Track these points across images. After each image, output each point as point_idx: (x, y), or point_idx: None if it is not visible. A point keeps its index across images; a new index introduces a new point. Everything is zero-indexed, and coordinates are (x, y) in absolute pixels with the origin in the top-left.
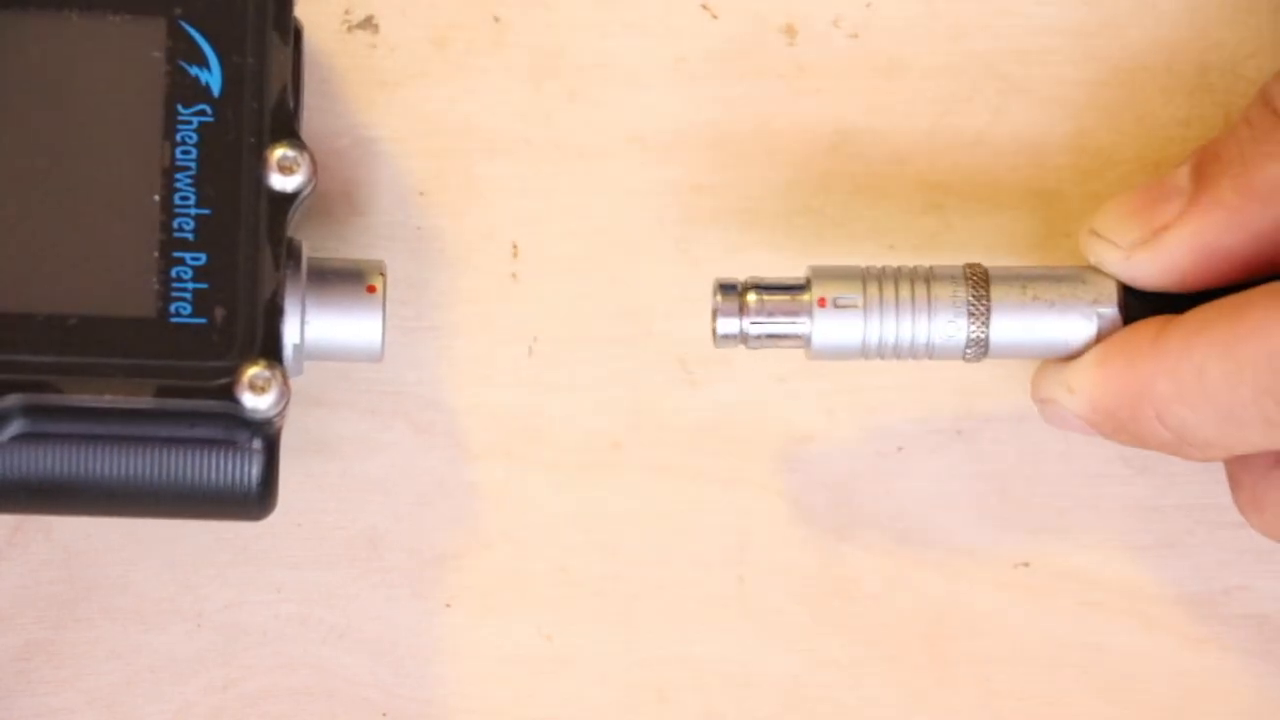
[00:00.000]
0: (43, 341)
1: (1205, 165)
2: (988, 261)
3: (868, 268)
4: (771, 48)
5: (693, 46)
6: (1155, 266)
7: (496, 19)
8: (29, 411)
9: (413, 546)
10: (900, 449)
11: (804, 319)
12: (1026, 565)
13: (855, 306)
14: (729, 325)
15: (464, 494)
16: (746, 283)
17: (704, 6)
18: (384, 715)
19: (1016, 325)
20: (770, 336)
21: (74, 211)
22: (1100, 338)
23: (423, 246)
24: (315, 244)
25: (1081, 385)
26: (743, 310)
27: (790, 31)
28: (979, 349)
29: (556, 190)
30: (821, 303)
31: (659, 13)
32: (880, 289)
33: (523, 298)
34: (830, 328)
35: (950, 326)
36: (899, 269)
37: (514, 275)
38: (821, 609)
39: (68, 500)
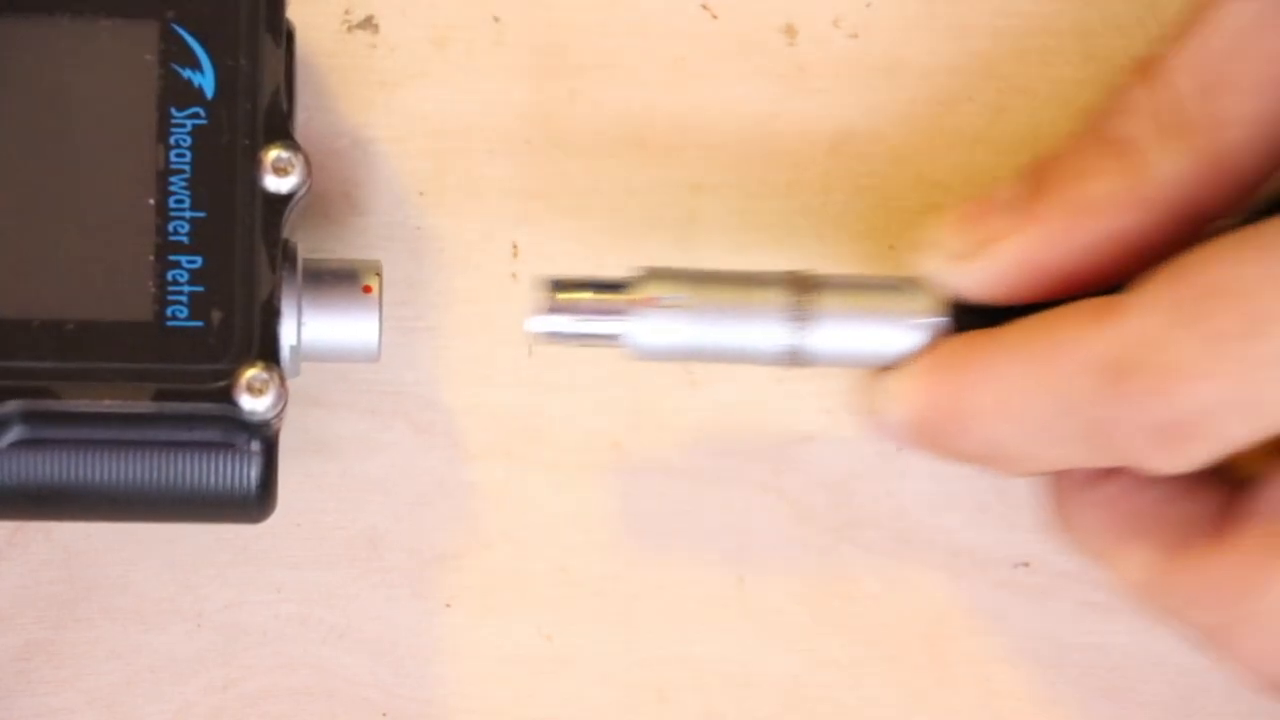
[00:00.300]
0: (40, 347)
1: (1038, 179)
2: None
3: (697, 270)
4: (771, 48)
5: (693, 46)
6: (981, 278)
7: (496, 19)
8: (27, 418)
9: (413, 546)
10: (900, 449)
11: (625, 319)
12: (1026, 565)
13: (679, 307)
14: (550, 323)
15: (464, 494)
16: (571, 280)
17: (704, 6)
18: (384, 715)
19: (842, 333)
20: (591, 335)
21: (69, 216)
22: (924, 348)
23: (423, 246)
24: (315, 244)
25: (902, 394)
26: (564, 308)
27: (790, 31)
28: (803, 357)
29: (556, 190)
30: (645, 302)
31: (659, 13)
32: (706, 291)
33: (523, 298)
34: (651, 328)
35: (775, 332)
36: (728, 273)
37: (514, 275)
38: (821, 609)
39: (67, 506)
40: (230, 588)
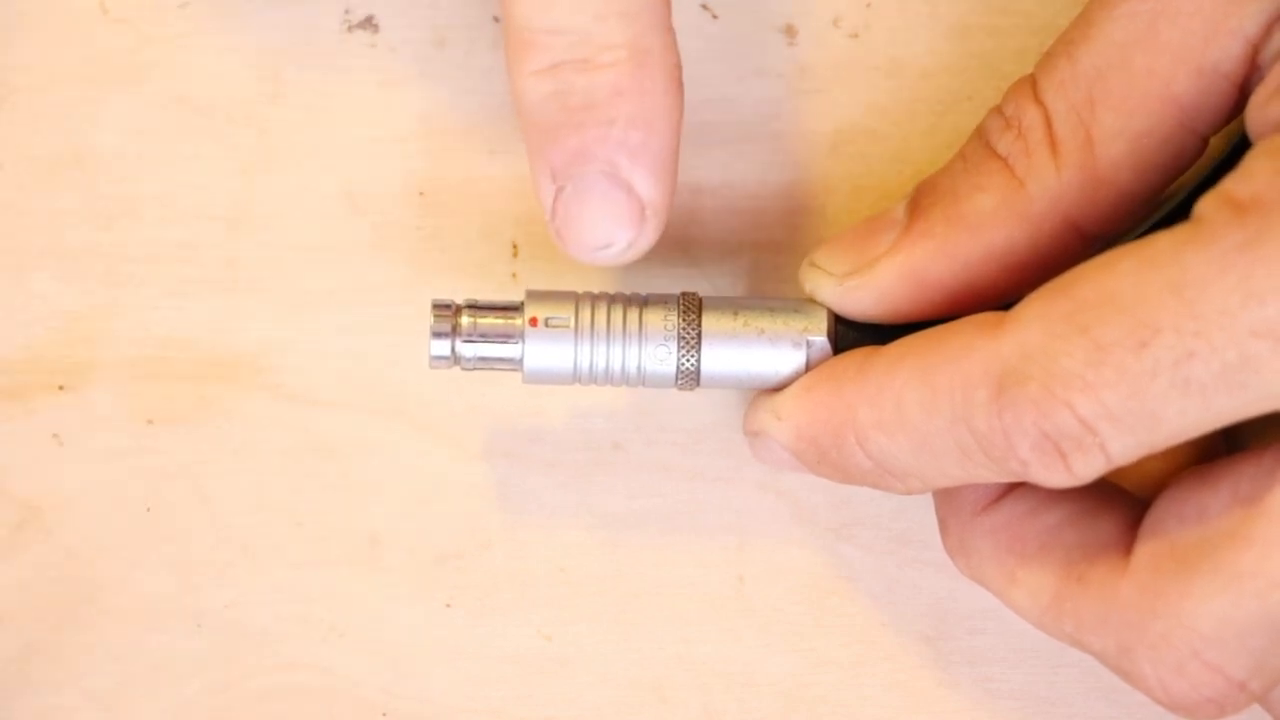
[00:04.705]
0: None
1: (920, 198)
2: None
3: (584, 292)
4: (771, 48)
5: (693, 46)
6: (866, 295)
7: (496, 19)
8: None
9: (413, 546)
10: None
11: (516, 342)
12: None
13: (566, 327)
14: (441, 346)
15: (464, 494)
16: (461, 304)
17: (704, 6)
18: (384, 715)
19: (727, 354)
20: (482, 359)
21: None
22: (810, 367)
23: (423, 246)
24: (311, 244)
25: (788, 411)
26: (456, 331)
27: (790, 31)
28: (690, 378)
29: None
30: (533, 322)
31: None
32: (593, 313)
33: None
34: (541, 350)
35: (661, 352)
36: (616, 294)
37: (514, 275)
38: (821, 609)
39: None
40: (230, 588)
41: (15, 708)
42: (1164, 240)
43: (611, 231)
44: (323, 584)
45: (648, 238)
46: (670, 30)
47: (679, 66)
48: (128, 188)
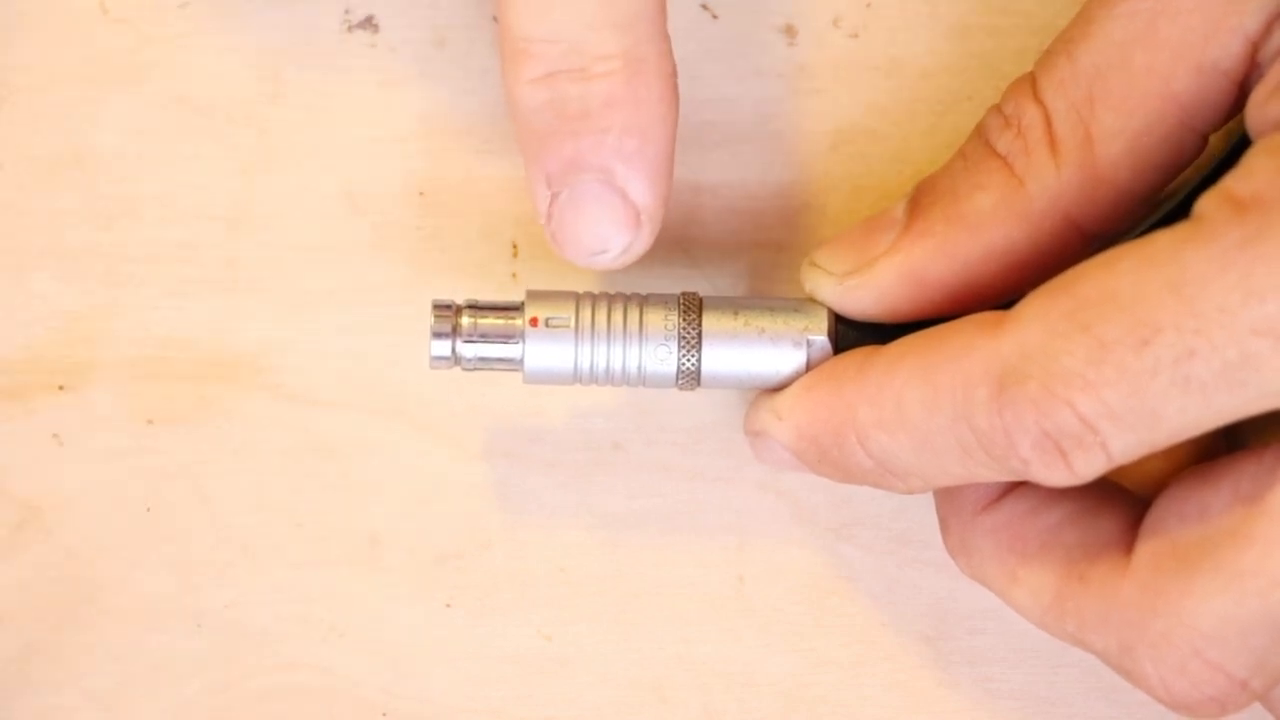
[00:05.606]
0: None
1: (920, 197)
2: None
3: (585, 292)
4: (771, 48)
5: (693, 46)
6: (866, 294)
7: (496, 19)
8: None
9: (413, 546)
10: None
11: (516, 342)
12: None
13: (567, 327)
14: (442, 347)
15: (464, 494)
16: (462, 304)
17: (704, 6)
18: (384, 715)
19: (728, 353)
20: (483, 359)
21: None
22: (811, 367)
23: (423, 246)
24: (311, 244)
25: (789, 411)
26: (456, 331)
27: (790, 31)
28: (690, 378)
29: None
30: (533, 322)
31: None
32: (593, 313)
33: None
34: (541, 350)
35: (662, 351)
36: (617, 294)
37: (514, 275)
38: (821, 609)
39: None
40: (230, 588)
41: (15, 708)
42: (1164, 238)
43: (607, 237)
44: (323, 584)
45: (643, 243)
46: (665, 38)
47: (674, 74)
48: (128, 188)
